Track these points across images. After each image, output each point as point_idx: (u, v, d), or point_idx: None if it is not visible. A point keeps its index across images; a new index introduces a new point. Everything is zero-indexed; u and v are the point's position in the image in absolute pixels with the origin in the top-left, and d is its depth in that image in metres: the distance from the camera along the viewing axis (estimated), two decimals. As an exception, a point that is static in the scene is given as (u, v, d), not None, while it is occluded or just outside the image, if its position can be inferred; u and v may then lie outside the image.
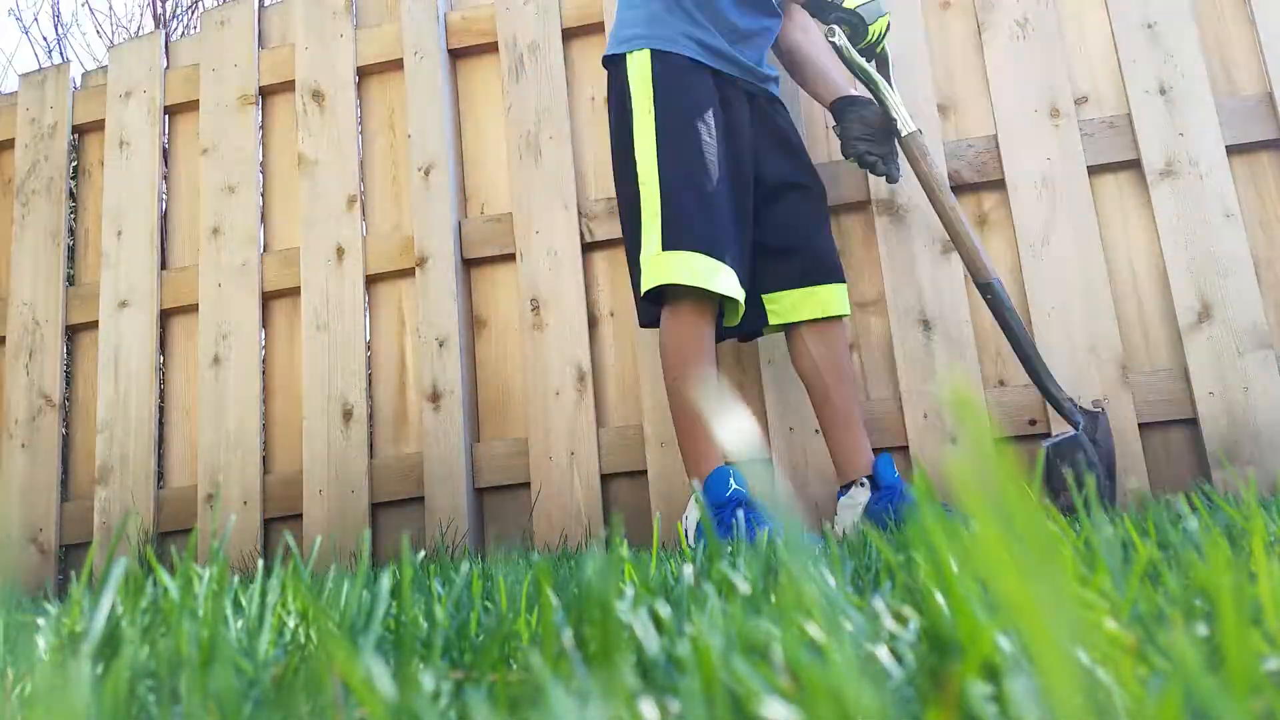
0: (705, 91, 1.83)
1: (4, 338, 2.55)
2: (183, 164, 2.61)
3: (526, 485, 2.15)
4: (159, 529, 2.31)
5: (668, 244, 1.74)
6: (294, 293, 2.40)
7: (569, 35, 2.39)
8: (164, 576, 0.50)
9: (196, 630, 0.42)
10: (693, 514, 1.80)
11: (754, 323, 1.90)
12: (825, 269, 1.89)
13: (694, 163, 1.78)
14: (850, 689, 0.23)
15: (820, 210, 1.95)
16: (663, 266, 1.73)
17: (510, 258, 2.30)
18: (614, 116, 1.91)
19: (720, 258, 1.73)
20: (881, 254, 2.08)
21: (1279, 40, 2.02)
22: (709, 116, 1.81)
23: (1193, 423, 1.90)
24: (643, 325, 1.91)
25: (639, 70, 1.86)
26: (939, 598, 0.33)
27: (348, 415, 2.24)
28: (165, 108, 2.60)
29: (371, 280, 2.36)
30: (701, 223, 1.75)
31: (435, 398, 2.20)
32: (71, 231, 2.67)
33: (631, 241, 1.82)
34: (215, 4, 5.03)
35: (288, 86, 2.53)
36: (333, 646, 0.29)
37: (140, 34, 5.03)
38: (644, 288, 1.76)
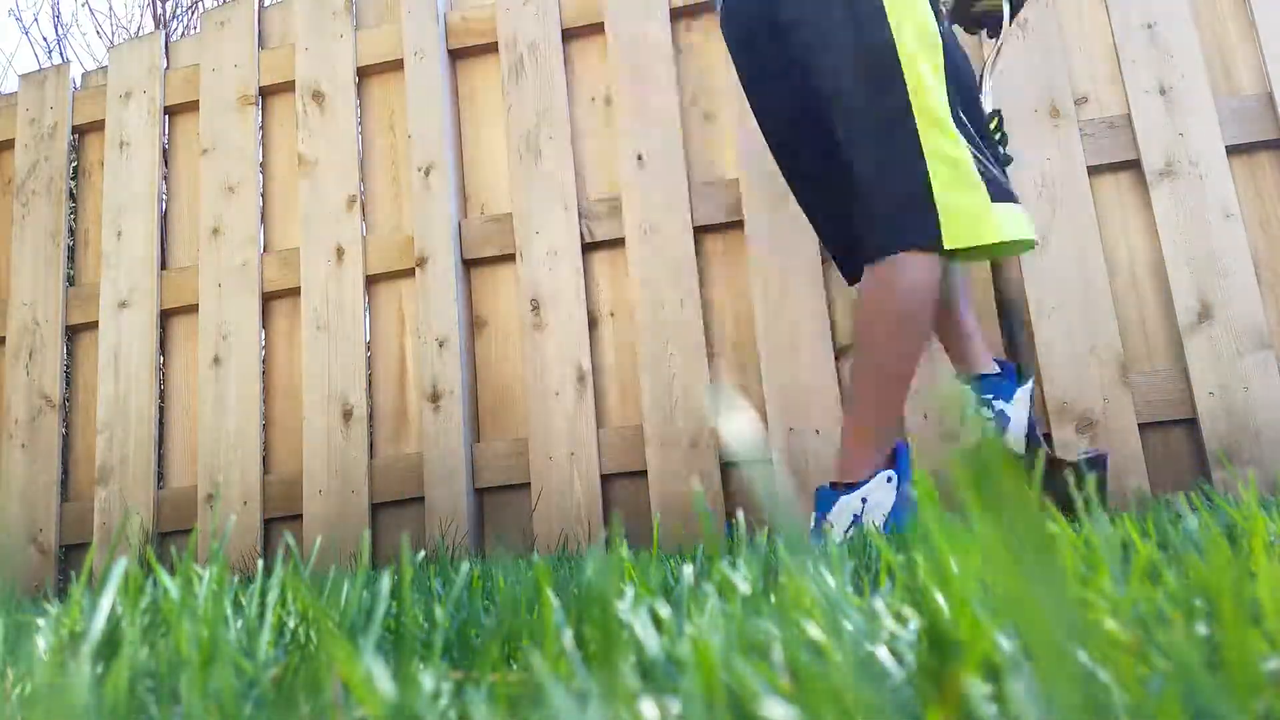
0: None
1: (4, 338, 2.55)
2: (183, 164, 2.61)
3: (526, 485, 2.15)
4: (159, 529, 2.31)
5: (996, 196, 1.48)
6: (294, 293, 2.40)
7: (569, 35, 2.39)
8: (164, 577, 0.50)
9: (196, 630, 0.42)
10: (881, 496, 1.53)
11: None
12: None
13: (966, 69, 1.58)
14: (850, 689, 0.23)
15: None
16: (991, 220, 1.47)
17: (510, 258, 2.30)
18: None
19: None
20: (881, 254, 2.08)
21: (1279, 40, 2.02)
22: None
23: (1193, 423, 1.90)
24: (871, 261, 1.55)
25: None
26: (939, 598, 0.33)
27: (348, 415, 2.24)
28: (165, 108, 2.60)
29: (371, 280, 2.36)
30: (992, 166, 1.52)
31: (435, 398, 2.20)
32: (71, 232, 2.67)
33: (884, 169, 1.53)
34: (215, 4, 5.03)
35: (288, 87, 2.53)
36: (333, 646, 0.29)
37: (140, 34, 5.03)
38: (963, 241, 1.46)
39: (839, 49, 1.58)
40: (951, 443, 1.94)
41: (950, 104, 1.52)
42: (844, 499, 1.53)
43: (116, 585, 0.43)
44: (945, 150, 1.49)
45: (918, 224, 1.49)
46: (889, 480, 1.52)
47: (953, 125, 1.50)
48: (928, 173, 1.48)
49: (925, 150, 1.49)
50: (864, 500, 1.51)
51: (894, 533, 1.31)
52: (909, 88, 1.50)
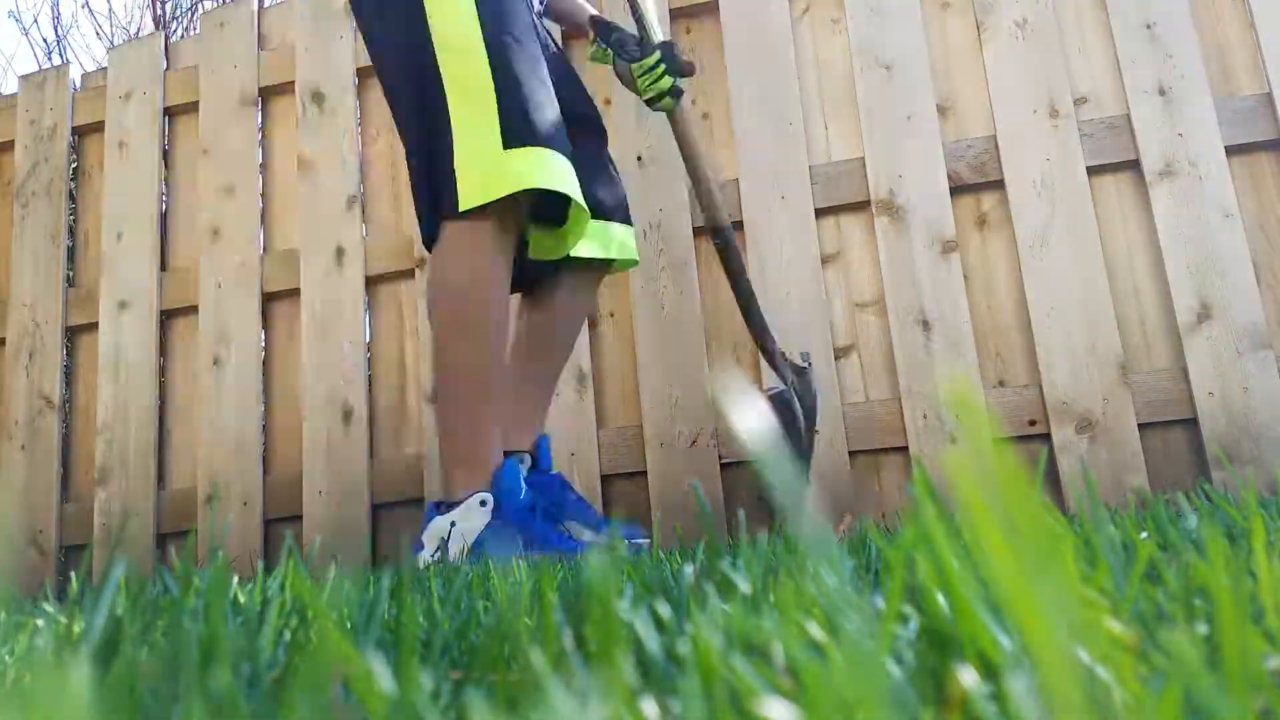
0: None
1: (4, 339, 2.55)
2: (182, 165, 2.61)
3: (526, 486, 2.15)
4: (159, 530, 2.31)
5: (510, 140, 1.45)
6: (294, 293, 2.39)
7: (568, 36, 2.38)
8: (164, 576, 0.50)
9: (197, 630, 0.42)
10: (471, 521, 1.46)
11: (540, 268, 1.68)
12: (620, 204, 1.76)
13: (527, 43, 1.55)
14: (850, 689, 0.23)
15: (606, 146, 1.84)
16: (505, 169, 1.44)
17: (510, 258, 2.30)
18: (382, 14, 1.60)
19: (569, 156, 1.50)
20: (880, 254, 2.08)
21: (1279, 40, 2.02)
22: (524, 10, 1.60)
23: (1193, 423, 1.90)
24: (430, 247, 1.56)
25: None
26: (939, 597, 0.33)
27: (348, 416, 2.24)
28: (165, 109, 2.60)
29: (371, 281, 2.36)
30: (548, 113, 1.50)
31: (435, 398, 2.19)
32: (71, 233, 2.67)
33: (427, 151, 1.52)
34: (215, 5, 5.03)
35: (288, 88, 2.53)
36: (333, 646, 0.29)
37: (140, 35, 5.03)
38: (475, 199, 1.44)
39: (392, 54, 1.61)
40: (951, 443, 1.94)
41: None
42: (437, 520, 1.47)
43: (116, 585, 0.43)
44: (472, 120, 1.47)
45: (444, 194, 1.49)
46: (482, 504, 1.45)
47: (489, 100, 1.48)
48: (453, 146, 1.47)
49: (457, 122, 1.48)
50: (453, 524, 1.44)
51: (479, 563, 1.19)
52: (447, 70, 1.50)
